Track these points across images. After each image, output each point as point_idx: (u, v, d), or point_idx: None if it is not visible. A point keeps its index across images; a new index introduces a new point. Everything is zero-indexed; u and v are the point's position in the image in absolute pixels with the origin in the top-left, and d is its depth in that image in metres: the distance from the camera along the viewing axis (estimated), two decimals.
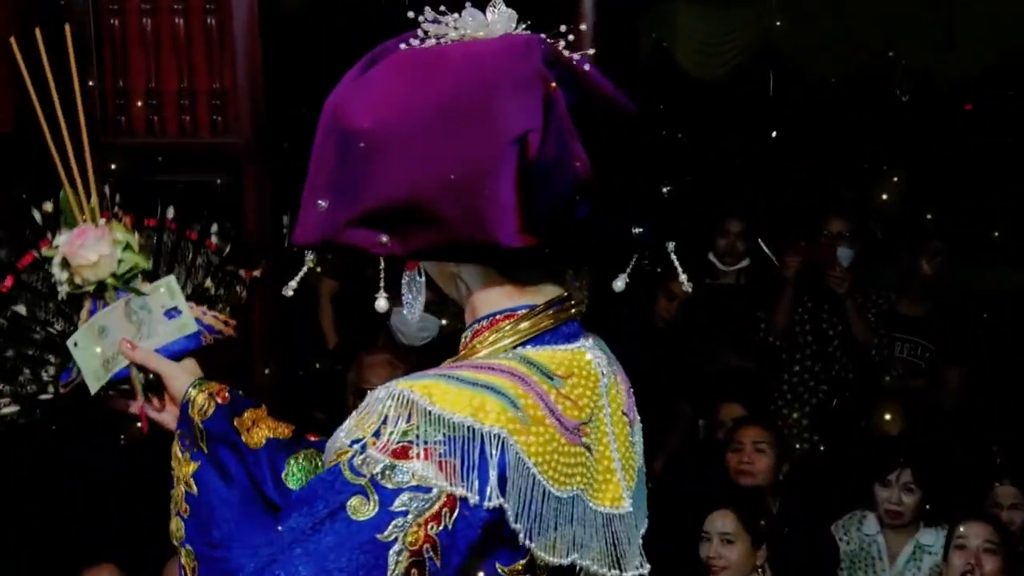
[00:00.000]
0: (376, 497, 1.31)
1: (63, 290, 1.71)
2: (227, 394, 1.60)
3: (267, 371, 4.59)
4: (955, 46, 6.35)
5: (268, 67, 4.53)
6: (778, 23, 6.27)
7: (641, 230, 1.47)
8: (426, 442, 1.32)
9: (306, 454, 1.60)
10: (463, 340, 1.51)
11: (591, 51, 1.51)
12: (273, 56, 4.58)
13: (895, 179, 5.70)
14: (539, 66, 1.39)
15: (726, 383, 4.92)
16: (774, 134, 6.06)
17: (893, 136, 6.73)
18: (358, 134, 1.40)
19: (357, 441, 1.34)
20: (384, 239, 1.41)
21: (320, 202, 1.43)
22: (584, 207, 1.39)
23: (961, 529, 3.61)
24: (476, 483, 1.32)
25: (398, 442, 1.33)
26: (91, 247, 1.68)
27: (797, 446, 4.90)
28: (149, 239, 1.75)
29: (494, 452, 1.33)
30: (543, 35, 1.47)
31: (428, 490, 1.31)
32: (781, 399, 5.05)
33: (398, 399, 1.34)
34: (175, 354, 1.65)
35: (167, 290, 1.68)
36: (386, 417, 1.34)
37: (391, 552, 1.30)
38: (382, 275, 1.46)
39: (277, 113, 4.66)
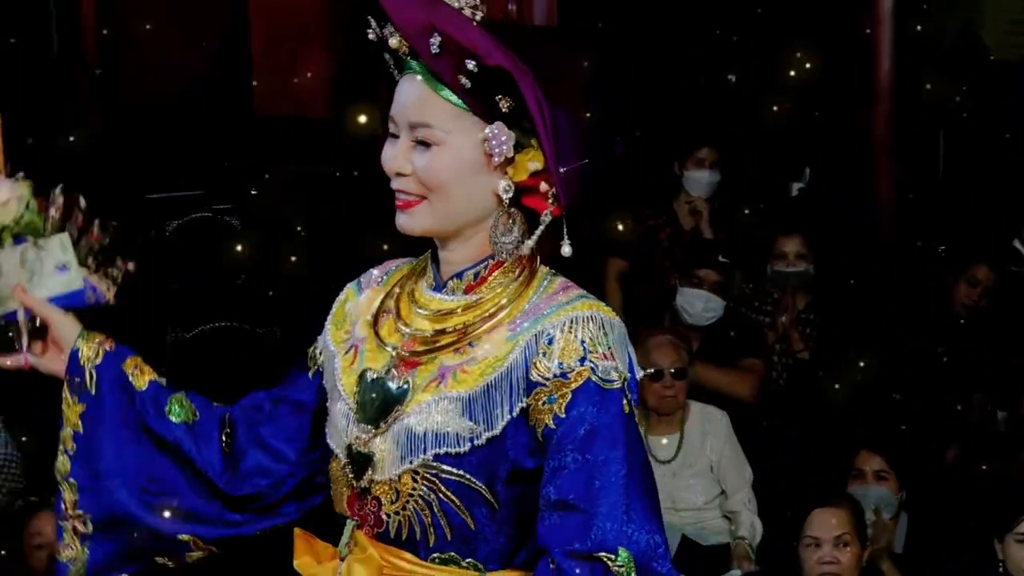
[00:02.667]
0: (626, 392, 1.61)
1: None
2: (112, 343, 1.84)
3: None
4: None
5: None
6: None
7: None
8: (616, 344, 1.62)
9: (180, 397, 1.85)
10: (471, 276, 1.68)
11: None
12: None
13: None
14: None
15: None
16: None
17: None
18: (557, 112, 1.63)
19: (583, 360, 1.59)
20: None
21: (562, 169, 1.63)
22: None
23: None
24: (629, 366, 1.64)
25: (608, 348, 1.60)
26: (3, 190, 1.77)
27: None
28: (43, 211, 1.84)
29: (627, 342, 1.66)
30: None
31: (621, 379, 1.62)
32: None
33: (589, 319, 1.61)
34: (60, 307, 1.83)
35: (60, 245, 1.80)
36: (582, 339, 1.59)
37: (640, 431, 1.63)
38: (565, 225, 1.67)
39: None
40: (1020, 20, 6.41)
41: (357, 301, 1.78)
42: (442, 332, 1.64)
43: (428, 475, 1.60)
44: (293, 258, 4.48)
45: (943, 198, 5.99)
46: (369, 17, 1.63)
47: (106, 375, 1.83)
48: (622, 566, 1.52)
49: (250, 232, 4.74)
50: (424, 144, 1.62)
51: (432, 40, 1.57)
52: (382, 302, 1.74)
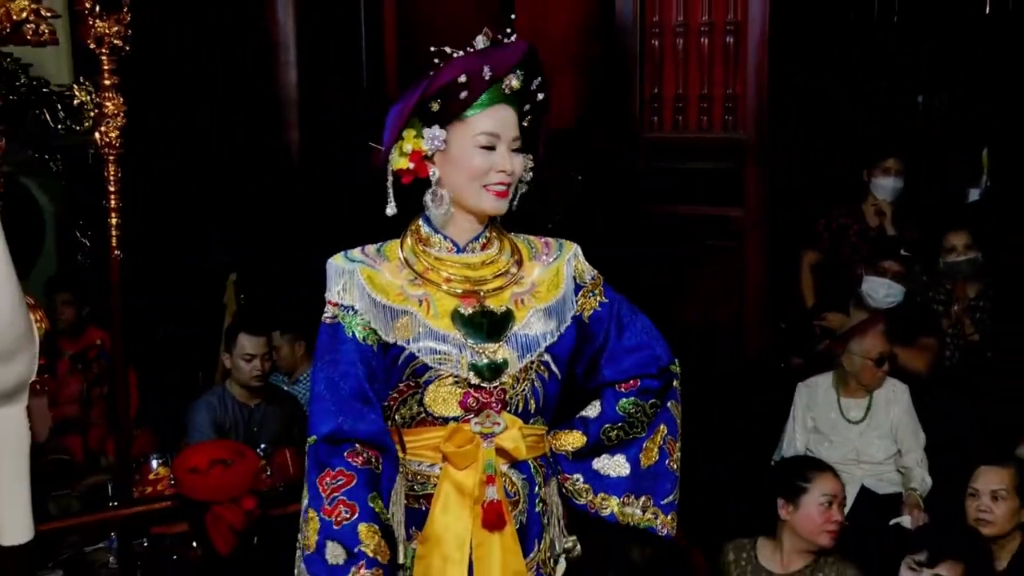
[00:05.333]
0: None
1: None
2: None
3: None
4: None
5: (772, 77, 5.36)
6: None
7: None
8: None
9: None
10: (484, 238, 2.30)
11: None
12: (777, 67, 5.40)
13: None
14: None
15: None
16: None
17: None
18: None
19: (593, 270, 2.38)
20: None
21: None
22: None
23: None
24: None
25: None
26: None
27: None
28: None
29: None
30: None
31: None
32: None
33: (579, 249, 2.37)
34: None
35: None
36: (584, 260, 2.37)
37: None
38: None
39: (777, 115, 5.46)
40: None
41: (382, 273, 2.24)
42: (494, 275, 2.25)
43: (538, 363, 2.24)
44: None
45: None
46: (465, 74, 2.14)
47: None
48: (677, 369, 2.40)
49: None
50: (519, 151, 2.23)
51: (535, 79, 2.22)
52: (410, 268, 2.26)
